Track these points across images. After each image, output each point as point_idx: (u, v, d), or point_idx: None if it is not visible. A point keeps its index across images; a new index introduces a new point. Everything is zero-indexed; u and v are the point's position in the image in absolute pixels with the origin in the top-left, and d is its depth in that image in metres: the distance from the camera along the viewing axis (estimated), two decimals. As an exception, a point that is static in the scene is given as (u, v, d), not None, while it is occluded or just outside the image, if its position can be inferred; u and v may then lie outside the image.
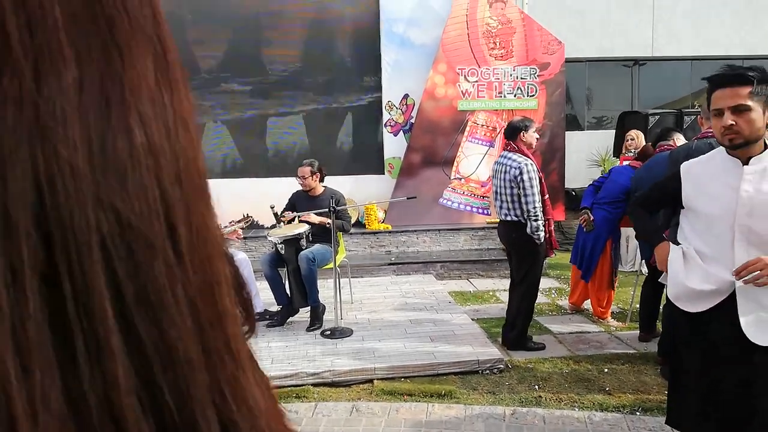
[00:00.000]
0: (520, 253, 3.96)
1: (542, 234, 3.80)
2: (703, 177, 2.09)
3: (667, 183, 2.29)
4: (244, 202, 7.23)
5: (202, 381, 0.22)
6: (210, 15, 7.13)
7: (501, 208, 3.99)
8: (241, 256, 4.76)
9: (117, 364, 0.20)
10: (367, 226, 7.17)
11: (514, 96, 7.28)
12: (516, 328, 4.03)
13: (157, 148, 0.21)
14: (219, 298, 0.24)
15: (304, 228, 4.54)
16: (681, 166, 2.19)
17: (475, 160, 7.32)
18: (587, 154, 10.12)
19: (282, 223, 4.58)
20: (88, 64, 0.20)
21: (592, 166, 10.04)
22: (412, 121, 7.43)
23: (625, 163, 4.82)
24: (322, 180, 4.81)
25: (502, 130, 7.14)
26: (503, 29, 7.20)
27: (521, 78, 7.27)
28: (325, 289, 4.63)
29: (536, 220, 3.77)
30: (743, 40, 10.83)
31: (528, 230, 3.80)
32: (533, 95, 7.30)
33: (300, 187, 4.84)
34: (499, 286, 6.09)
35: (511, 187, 3.83)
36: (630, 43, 11.24)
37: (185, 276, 0.22)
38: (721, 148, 2.06)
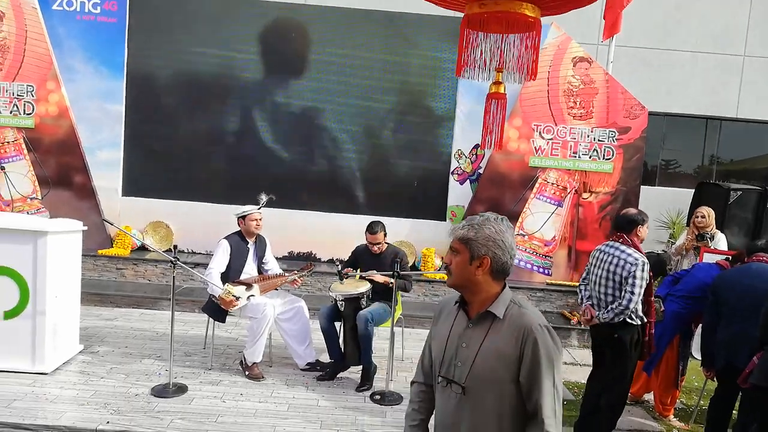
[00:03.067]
0: (619, 353, 3.68)
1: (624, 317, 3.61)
2: None
3: None
4: (312, 234, 7.33)
5: None
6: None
7: (600, 302, 3.75)
8: (299, 305, 4.78)
9: None
10: (423, 273, 7.09)
11: (590, 157, 7.07)
12: (594, 429, 3.80)
13: None
14: None
15: (366, 287, 4.51)
16: None
17: (541, 217, 7.14)
18: (656, 213, 9.71)
19: (344, 280, 4.55)
20: None
21: (661, 228, 9.65)
22: (480, 171, 7.33)
23: (710, 259, 4.56)
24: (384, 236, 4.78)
25: (573, 190, 7.04)
26: (585, 89, 7.02)
27: (599, 140, 7.06)
28: (377, 338, 4.55)
29: (626, 316, 3.59)
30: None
31: (612, 314, 3.60)
32: (609, 158, 7.08)
33: (363, 241, 4.83)
34: (555, 357, 5.87)
35: (621, 283, 3.62)
36: (713, 102, 10.80)
37: None
38: None
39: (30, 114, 7.02)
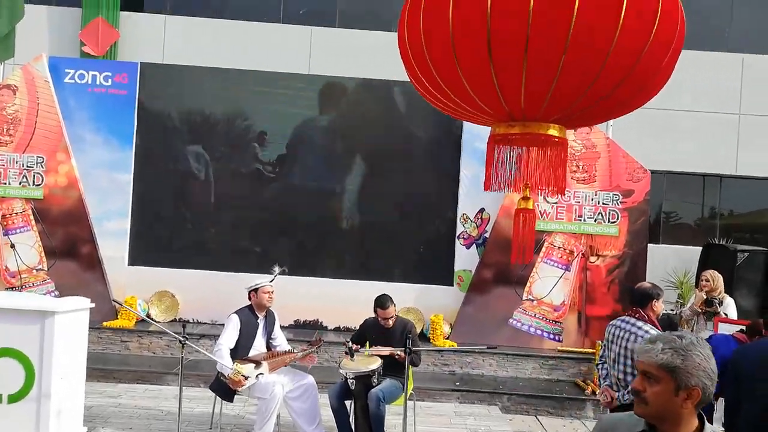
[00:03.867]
0: None
1: None
2: None
3: None
4: (318, 301, 7.28)
5: None
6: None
7: (619, 382, 3.62)
8: (309, 381, 4.68)
9: None
10: (431, 341, 6.99)
11: (595, 221, 7.10)
12: None
13: None
14: None
15: (377, 364, 4.43)
16: None
17: (550, 282, 7.09)
18: (663, 273, 9.63)
19: (355, 356, 4.47)
20: None
21: (669, 288, 9.54)
22: (486, 235, 7.34)
23: (725, 330, 4.50)
24: (393, 308, 4.73)
25: (580, 254, 7.02)
26: (587, 153, 7.12)
27: (603, 203, 7.10)
28: (388, 414, 4.42)
29: None
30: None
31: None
32: (614, 222, 7.09)
33: (372, 315, 4.78)
34: (570, 430, 5.71)
35: None
36: (713, 160, 10.96)
37: None
38: None
39: (39, 185, 7.09)
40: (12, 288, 6.97)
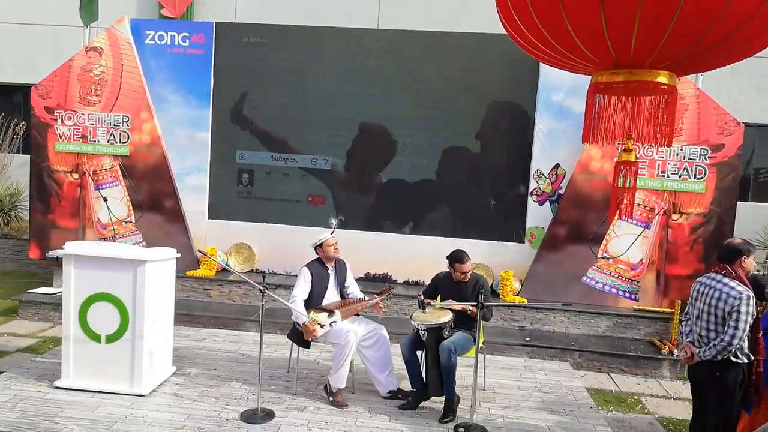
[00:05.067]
0: (723, 394, 3.46)
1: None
2: None
3: None
4: (388, 255, 7.38)
5: None
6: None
7: (701, 338, 3.53)
8: (381, 331, 4.79)
9: None
10: (501, 297, 6.96)
11: (679, 177, 6.72)
12: None
13: None
14: None
15: (448, 317, 4.46)
16: None
17: (627, 240, 6.84)
18: (751, 232, 9.06)
19: (427, 309, 4.53)
20: None
21: (758, 247, 8.99)
22: (561, 191, 7.13)
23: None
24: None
25: (661, 211, 6.70)
26: (673, 105, 6.68)
27: (689, 158, 6.70)
28: (459, 366, 4.47)
29: (729, 353, 3.38)
30: None
31: (715, 350, 3.39)
32: (701, 178, 6.69)
33: (443, 269, 4.80)
34: (645, 389, 5.59)
35: (723, 318, 3.40)
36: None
37: None
38: None
39: (125, 143, 7.49)
40: (104, 238, 7.50)
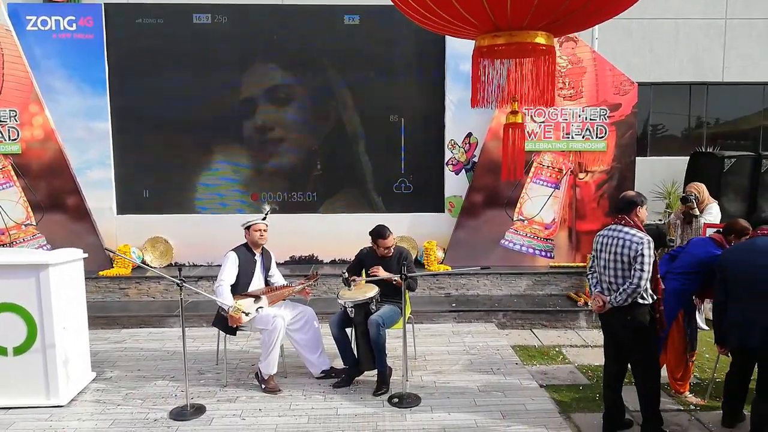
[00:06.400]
0: (639, 334, 3.69)
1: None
2: None
3: None
4: (312, 236, 7.31)
5: None
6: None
7: (610, 286, 3.73)
8: (308, 312, 4.77)
9: None
10: (426, 266, 7.10)
11: (582, 137, 7.07)
12: (651, 421, 3.79)
13: None
14: None
15: (374, 291, 4.50)
16: None
17: (540, 201, 7.15)
18: (650, 185, 9.71)
19: (352, 286, 4.54)
20: None
21: (657, 199, 9.67)
22: (475, 159, 7.31)
23: (706, 234, 4.58)
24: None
25: (569, 171, 7.04)
26: (573, 69, 6.99)
27: (590, 119, 7.05)
28: (388, 338, 4.54)
29: (638, 295, 3.61)
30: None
31: (625, 295, 3.61)
32: (602, 137, 7.07)
33: (364, 239, 4.82)
34: (564, 340, 5.92)
35: (629, 263, 3.61)
36: (699, 68, 10.82)
37: None
38: None
39: (15, 139, 6.91)
40: (2, 245, 6.94)
